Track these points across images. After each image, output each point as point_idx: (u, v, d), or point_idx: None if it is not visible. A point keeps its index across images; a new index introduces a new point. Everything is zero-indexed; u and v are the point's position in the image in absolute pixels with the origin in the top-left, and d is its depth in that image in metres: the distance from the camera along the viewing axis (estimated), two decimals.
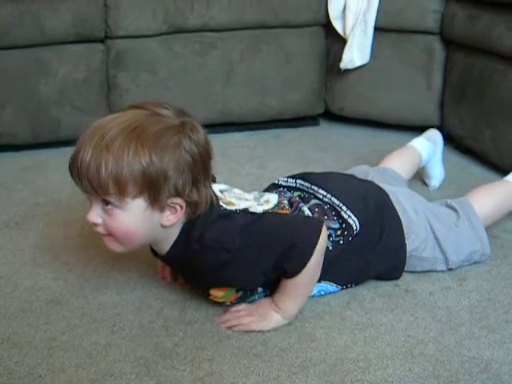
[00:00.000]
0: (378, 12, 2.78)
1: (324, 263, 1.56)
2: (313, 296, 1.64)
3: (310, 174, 1.80)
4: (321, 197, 1.69)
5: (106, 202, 1.43)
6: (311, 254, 1.49)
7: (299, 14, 2.87)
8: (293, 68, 2.93)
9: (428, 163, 2.25)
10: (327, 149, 2.73)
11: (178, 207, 1.45)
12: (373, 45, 2.83)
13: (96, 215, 1.46)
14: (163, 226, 1.47)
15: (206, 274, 1.52)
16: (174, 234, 1.50)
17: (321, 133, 2.99)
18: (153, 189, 1.41)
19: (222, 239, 1.47)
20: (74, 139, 2.68)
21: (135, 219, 1.44)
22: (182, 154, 1.42)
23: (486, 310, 1.61)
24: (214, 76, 2.83)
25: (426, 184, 2.33)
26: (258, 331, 1.52)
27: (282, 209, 1.62)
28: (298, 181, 1.76)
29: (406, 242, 1.72)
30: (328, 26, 2.91)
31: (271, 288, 1.58)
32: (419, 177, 2.31)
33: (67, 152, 2.64)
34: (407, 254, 1.73)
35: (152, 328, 1.53)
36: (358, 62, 2.85)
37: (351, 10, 2.80)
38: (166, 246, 1.53)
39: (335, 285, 1.68)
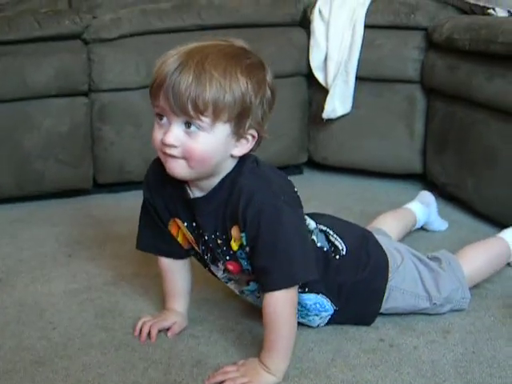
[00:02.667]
0: (359, 62, 2.82)
1: (319, 269, 1.59)
2: (307, 309, 1.66)
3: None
4: (312, 227, 1.71)
5: (189, 124, 1.43)
6: (307, 277, 1.55)
7: (281, 64, 2.88)
8: (275, 117, 2.88)
9: (426, 223, 2.31)
10: (311, 198, 2.71)
11: (250, 138, 1.49)
12: (354, 94, 2.86)
13: (175, 137, 1.44)
14: (231, 156, 1.50)
15: (235, 210, 1.52)
16: (229, 169, 1.53)
17: (304, 182, 3.00)
18: (242, 116, 1.44)
19: (280, 187, 1.53)
20: (59, 192, 2.72)
21: (217, 143, 1.45)
22: (266, 89, 1.48)
23: (471, 364, 1.61)
24: None
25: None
26: None
27: None
28: None
29: (390, 275, 1.75)
30: (310, 76, 2.95)
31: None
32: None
33: (51, 205, 2.70)
34: (389, 285, 1.75)
35: None
36: (340, 112, 2.87)
37: (332, 60, 2.84)
38: (214, 181, 1.53)
39: (330, 302, 1.70)
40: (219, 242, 1.59)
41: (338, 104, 2.86)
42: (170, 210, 1.66)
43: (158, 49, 2.66)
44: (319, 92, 2.93)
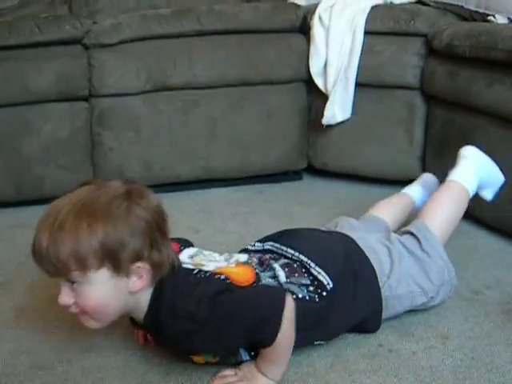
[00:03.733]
0: (358, 68, 2.82)
1: (309, 321, 1.58)
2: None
3: (281, 233, 1.82)
4: (290, 255, 1.70)
5: (72, 281, 1.44)
6: (280, 322, 1.48)
7: (280, 70, 2.90)
8: (275, 124, 2.96)
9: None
10: (310, 204, 2.74)
11: (142, 271, 1.46)
12: (354, 100, 2.86)
13: (66, 296, 1.47)
14: (132, 293, 1.48)
15: (177, 342, 1.52)
16: (145, 300, 1.51)
17: (304, 188, 3.01)
18: (113, 257, 1.42)
19: (189, 308, 1.47)
20: (58, 197, 2.71)
21: (103, 291, 1.45)
22: (133, 219, 1.44)
23: (469, 370, 1.61)
24: (198, 133, 2.85)
25: None
26: None
27: (251, 265, 1.64)
28: (268, 243, 1.77)
29: (381, 286, 1.74)
30: (309, 81, 2.95)
31: (255, 350, 1.57)
32: None
33: None
34: (384, 296, 1.74)
35: None
36: (339, 118, 2.88)
37: (332, 66, 2.84)
38: (140, 314, 1.53)
39: (324, 342, 1.69)
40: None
41: (337, 110, 2.87)
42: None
43: (159, 54, 2.73)
44: (319, 98, 2.94)
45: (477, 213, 2.48)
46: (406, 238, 1.87)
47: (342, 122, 2.90)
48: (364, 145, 2.93)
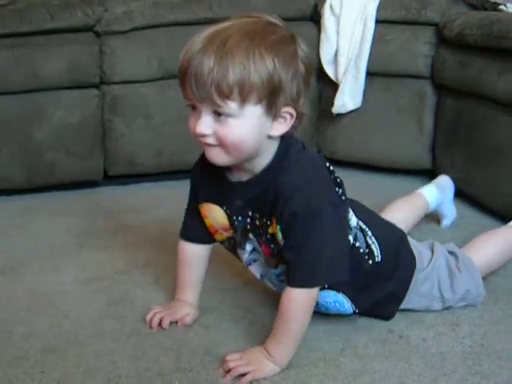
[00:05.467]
0: (369, 57, 2.82)
1: (350, 270, 1.58)
2: (326, 307, 1.67)
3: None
4: (353, 225, 1.68)
5: (219, 111, 1.41)
6: (318, 284, 1.53)
7: None
8: None
9: (438, 208, 2.29)
10: None
11: (288, 116, 1.45)
12: (365, 89, 2.87)
13: (206, 126, 1.42)
14: (270, 137, 1.47)
15: (275, 203, 1.50)
16: (272, 151, 1.50)
17: None
18: (273, 95, 1.40)
19: (319, 185, 1.49)
20: (69, 183, 2.73)
21: (250, 127, 1.42)
22: (298, 63, 1.43)
23: (479, 356, 1.61)
24: None
25: (438, 220, 2.38)
26: (252, 380, 1.51)
27: None
28: None
29: (412, 281, 1.75)
30: (320, 70, 2.95)
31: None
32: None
33: (61, 196, 2.71)
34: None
35: (148, 376, 1.53)
36: (350, 107, 2.88)
37: (343, 56, 2.84)
38: (260, 163, 1.51)
39: (350, 303, 1.69)
40: (257, 223, 1.57)
41: (347, 99, 2.87)
42: (206, 194, 1.65)
43: (170, 41, 2.73)
44: (329, 87, 2.94)
45: (488, 202, 2.49)
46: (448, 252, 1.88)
47: (352, 111, 2.91)
48: (374, 134, 2.93)
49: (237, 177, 1.57)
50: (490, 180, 2.48)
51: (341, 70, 2.85)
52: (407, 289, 1.75)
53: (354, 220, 1.66)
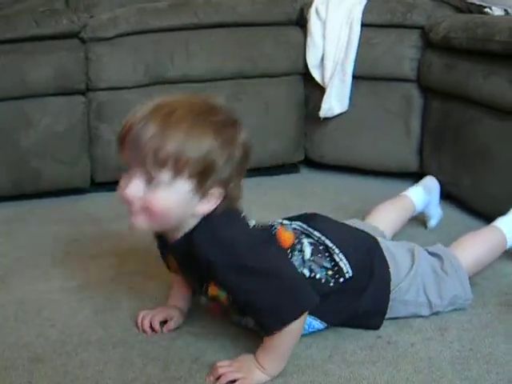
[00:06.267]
0: (355, 60, 2.82)
1: None
2: None
3: (309, 215, 1.81)
4: (316, 238, 1.70)
5: (151, 179, 1.43)
6: (296, 317, 1.51)
7: (277, 63, 2.91)
8: (272, 116, 2.96)
9: (425, 209, 2.29)
10: (308, 196, 2.75)
11: (215, 197, 1.47)
12: (351, 93, 2.87)
13: (136, 189, 1.45)
14: (194, 214, 1.49)
15: (202, 266, 1.51)
16: (193, 223, 1.51)
17: (301, 180, 3.02)
18: (205, 174, 1.43)
19: (230, 238, 1.49)
20: (56, 190, 2.72)
21: (177, 199, 1.45)
22: (235, 148, 1.46)
23: (468, 361, 1.61)
24: None
25: (424, 222, 2.38)
26: None
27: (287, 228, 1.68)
28: (296, 222, 1.75)
29: (392, 289, 1.74)
30: (306, 74, 2.95)
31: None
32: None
33: (48, 204, 2.70)
34: (392, 297, 1.74)
35: None
36: (336, 110, 2.88)
37: (329, 59, 2.85)
38: (179, 234, 1.53)
39: (319, 321, 1.68)
40: (199, 285, 1.63)
41: (334, 103, 2.88)
42: (162, 245, 1.68)
43: (156, 47, 2.73)
44: (316, 91, 2.94)
45: (475, 205, 2.49)
46: (431, 255, 1.87)
47: (339, 115, 2.91)
48: (361, 137, 2.93)
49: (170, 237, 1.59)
50: (477, 182, 2.48)
51: (327, 73, 2.86)
52: (387, 297, 1.74)
53: (307, 252, 1.66)
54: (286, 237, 1.66)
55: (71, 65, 2.66)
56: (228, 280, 1.50)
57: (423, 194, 2.25)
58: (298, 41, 2.93)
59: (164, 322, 1.75)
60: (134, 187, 1.45)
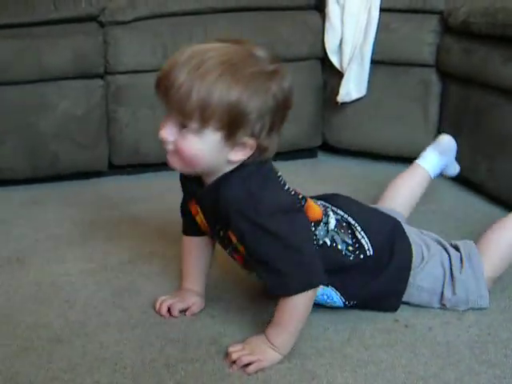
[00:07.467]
0: (374, 45, 2.81)
1: (333, 268, 1.62)
2: (316, 300, 1.64)
3: (330, 195, 1.82)
4: (340, 216, 1.71)
5: (182, 125, 1.44)
6: (291, 294, 1.53)
7: (296, 48, 2.89)
8: None
9: (442, 171, 2.25)
10: (325, 181, 2.74)
11: (247, 147, 1.48)
12: (369, 78, 2.86)
13: (169, 133, 1.46)
14: (228, 161, 1.50)
15: (223, 214, 1.53)
16: (227, 170, 1.52)
17: (319, 165, 3.02)
18: (233, 126, 1.43)
19: (259, 199, 1.50)
20: (74, 174, 2.73)
21: (206, 148, 1.46)
22: (268, 99, 1.45)
23: (486, 345, 1.61)
24: None
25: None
26: (257, 370, 1.52)
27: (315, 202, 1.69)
28: (319, 201, 1.75)
29: (411, 273, 1.74)
30: (324, 59, 2.94)
31: None
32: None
33: (66, 187, 2.71)
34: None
35: (154, 366, 1.53)
36: (354, 95, 2.87)
37: (347, 44, 2.83)
38: (212, 179, 1.54)
39: (339, 295, 1.70)
40: (221, 233, 1.63)
41: (352, 87, 2.87)
42: (190, 192, 1.68)
43: (174, 31, 2.72)
44: (334, 75, 2.93)
45: (493, 191, 2.49)
46: (455, 248, 1.85)
47: (357, 100, 2.90)
48: (379, 122, 2.92)
49: (203, 183, 1.60)
50: (495, 168, 2.47)
51: (345, 58, 2.85)
52: (407, 279, 1.74)
53: (332, 223, 1.68)
54: (316, 210, 1.67)
55: (89, 48, 2.65)
56: (240, 230, 1.52)
57: (438, 159, 2.20)
58: (316, 25, 2.92)
59: (183, 310, 1.75)
60: (167, 130, 1.47)
